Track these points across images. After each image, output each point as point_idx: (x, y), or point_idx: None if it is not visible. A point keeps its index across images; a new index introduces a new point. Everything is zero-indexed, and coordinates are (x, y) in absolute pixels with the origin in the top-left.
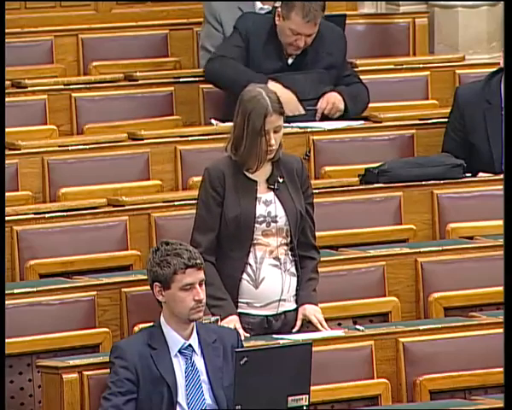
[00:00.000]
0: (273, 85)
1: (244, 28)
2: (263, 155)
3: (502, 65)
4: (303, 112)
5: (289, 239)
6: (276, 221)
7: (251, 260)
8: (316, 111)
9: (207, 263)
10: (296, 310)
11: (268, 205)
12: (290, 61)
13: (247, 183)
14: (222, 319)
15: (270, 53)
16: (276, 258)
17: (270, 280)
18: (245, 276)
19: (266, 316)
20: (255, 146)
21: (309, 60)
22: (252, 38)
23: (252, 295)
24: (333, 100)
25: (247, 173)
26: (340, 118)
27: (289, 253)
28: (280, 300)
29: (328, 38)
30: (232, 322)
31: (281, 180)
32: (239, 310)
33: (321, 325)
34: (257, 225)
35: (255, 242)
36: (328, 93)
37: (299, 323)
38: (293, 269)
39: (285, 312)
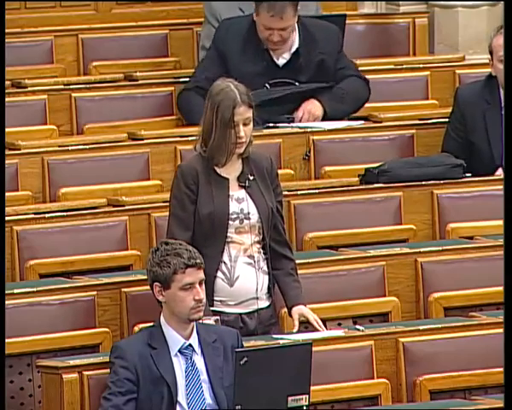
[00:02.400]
0: None
1: (219, 39)
2: (231, 148)
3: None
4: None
5: (262, 236)
6: (248, 218)
7: (225, 258)
8: (293, 120)
9: None
10: (270, 307)
11: (240, 202)
12: (281, 62)
13: (219, 180)
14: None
15: (252, 55)
16: (251, 256)
17: (245, 278)
18: (219, 274)
19: (240, 314)
20: (224, 139)
21: (302, 63)
22: (228, 46)
23: (226, 293)
24: (308, 108)
25: (218, 171)
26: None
27: (262, 251)
28: (254, 298)
29: (321, 38)
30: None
31: (251, 178)
32: (213, 308)
33: (317, 323)
34: (230, 222)
35: (229, 240)
36: (306, 101)
37: (297, 323)
38: (265, 267)
39: (259, 309)
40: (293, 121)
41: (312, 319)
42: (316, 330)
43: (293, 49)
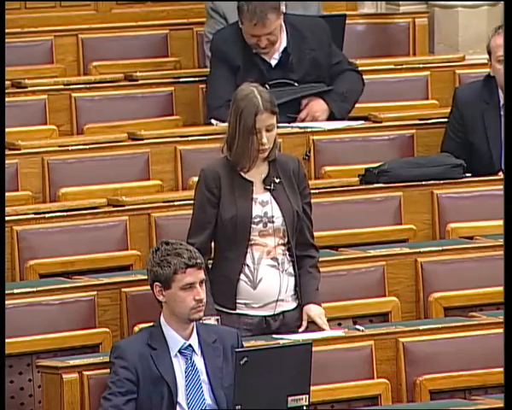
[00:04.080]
0: None
1: (217, 50)
2: (255, 153)
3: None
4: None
5: (287, 239)
6: (272, 222)
7: (248, 260)
8: (295, 120)
9: None
10: (297, 309)
11: (264, 206)
12: (274, 62)
13: (243, 183)
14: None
15: (247, 61)
16: (274, 258)
17: (268, 281)
18: (243, 277)
19: (264, 316)
20: (247, 145)
21: (293, 60)
22: (228, 55)
23: (250, 296)
24: (314, 110)
25: (242, 174)
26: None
27: (287, 253)
28: (278, 300)
29: (310, 34)
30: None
31: (277, 180)
32: (237, 311)
33: (324, 327)
34: (253, 226)
35: (252, 242)
36: (312, 101)
37: (305, 323)
38: (290, 269)
39: (283, 312)
40: (294, 121)
41: (320, 323)
42: (320, 330)
43: (282, 48)
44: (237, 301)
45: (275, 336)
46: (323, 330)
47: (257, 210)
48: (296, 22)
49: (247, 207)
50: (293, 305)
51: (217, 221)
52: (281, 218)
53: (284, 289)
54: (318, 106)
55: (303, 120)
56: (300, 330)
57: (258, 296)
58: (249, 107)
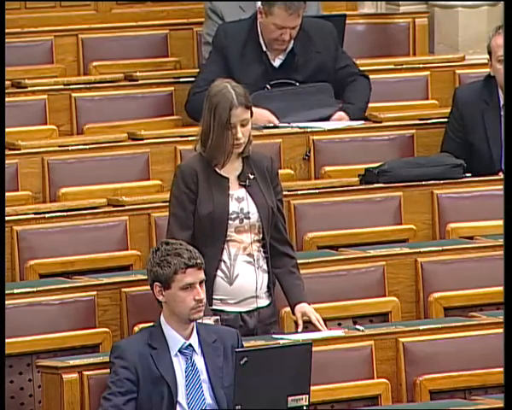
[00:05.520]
0: None
1: (218, 43)
2: (229, 148)
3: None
4: (277, 122)
5: (262, 236)
6: (248, 217)
7: (225, 256)
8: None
9: None
10: (271, 305)
11: (240, 202)
12: (277, 63)
13: (218, 180)
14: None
15: (251, 58)
16: (250, 254)
17: (245, 277)
18: (219, 273)
19: (240, 312)
20: (222, 140)
21: (299, 62)
22: (228, 49)
23: (226, 292)
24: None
25: (218, 170)
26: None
27: (261, 249)
28: (254, 296)
29: (317, 36)
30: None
31: (251, 177)
32: (213, 307)
33: (319, 323)
34: (230, 222)
35: (228, 238)
36: (335, 114)
37: (300, 322)
38: (265, 266)
39: (259, 308)
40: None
41: (314, 319)
42: (317, 329)
43: (288, 49)
44: (214, 296)
45: (275, 336)
46: (319, 327)
47: (233, 206)
48: (303, 24)
49: (224, 203)
50: (267, 301)
51: (194, 218)
52: (256, 214)
53: (260, 285)
54: (342, 118)
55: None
56: (299, 329)
57: (234, 292)
58: (223, 102)
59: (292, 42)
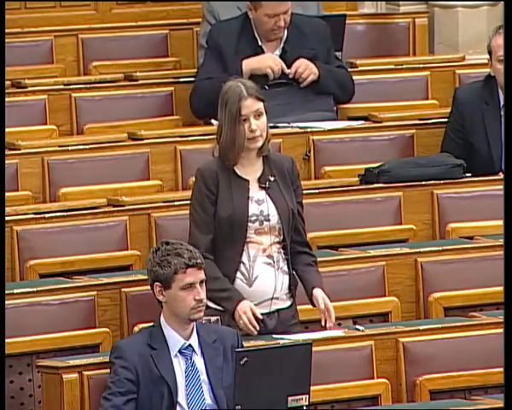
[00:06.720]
0: (247, 62)
1: (213, 42)
2: (242, 144)
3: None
4: (281, 65)
5: (282, 237)
6: (268, 220)
7: (244, 258)
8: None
9: (209, 260)
10: (292, 307)
11: (260, 204)
12: None
13: (239, 182)
14: (235, 306)
15: (246, 54)
16: (269, 256)
17: (264, 278)
18: (238, 275)
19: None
20: (234, 135)
21: (292, 57)
22: (222, 47)
23: (245, 294)
24: (306, 62)
25: (238, 172)
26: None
27: (282, 251)
28: (273, 298)
29: (310, 33)
30: (247, 305)
31: (272, 179)
32: None
33: (327, 313)
34: (250, 224)
35: (248, 240)
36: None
37: (321, 301)
38: (285, 267)
39: (278, 310)
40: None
41: (323, 308)
42: (325, 317)
43: (282, 45)
44: None
45: (275, 336)
46: (326, 316)
47: (253, 208)
48: (298, 21)
49: (243, 205)
50: (288, 303)
51: (214, 220)
52: (276, 216)
53: (279, 287)
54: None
55: (297, 68)
56: (321, 307)
57: (254, 294)
58: (232, 96)
59: (286, 33)
